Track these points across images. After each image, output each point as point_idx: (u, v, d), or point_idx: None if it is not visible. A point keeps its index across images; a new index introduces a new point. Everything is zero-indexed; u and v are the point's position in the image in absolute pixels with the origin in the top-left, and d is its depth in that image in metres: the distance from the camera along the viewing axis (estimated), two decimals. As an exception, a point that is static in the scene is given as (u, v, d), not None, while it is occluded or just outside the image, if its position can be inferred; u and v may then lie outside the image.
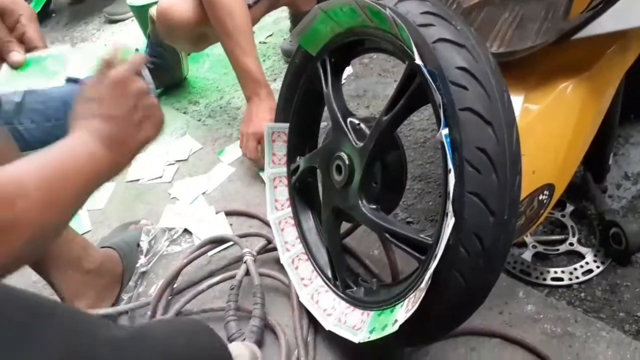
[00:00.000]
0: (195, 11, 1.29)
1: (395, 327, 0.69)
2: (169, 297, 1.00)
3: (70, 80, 0.73)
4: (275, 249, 1.00)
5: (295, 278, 0.94)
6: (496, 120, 0.61)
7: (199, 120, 1.57)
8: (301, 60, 0.95)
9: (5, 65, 0.68)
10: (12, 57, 0.67)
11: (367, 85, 1.50)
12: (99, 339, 0.47)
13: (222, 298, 0.97)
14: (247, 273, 0.95)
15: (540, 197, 0.75)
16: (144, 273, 1.10)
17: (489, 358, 0.81)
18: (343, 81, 1.50)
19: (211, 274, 1.03)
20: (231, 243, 1.08)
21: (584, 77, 0.77)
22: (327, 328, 0.83)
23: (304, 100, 0.99)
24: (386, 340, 0.71)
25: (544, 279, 0.89)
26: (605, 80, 0.80)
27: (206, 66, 1.83)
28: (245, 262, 0.96)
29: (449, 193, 0.61)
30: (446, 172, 0.62)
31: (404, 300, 0.72)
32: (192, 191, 1.29)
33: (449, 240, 0.61)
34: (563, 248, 0.94)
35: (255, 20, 1.42)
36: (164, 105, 1.68)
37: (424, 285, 0.65)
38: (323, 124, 1.04)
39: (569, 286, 0.88)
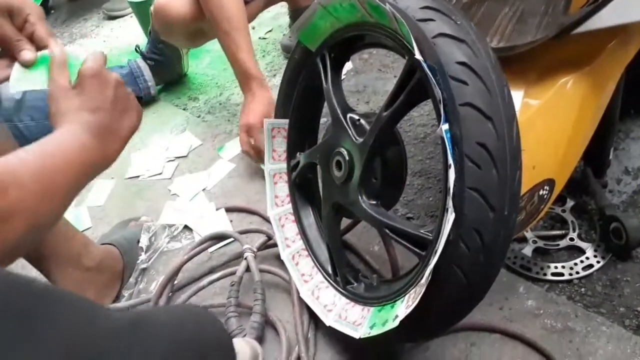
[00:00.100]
0: (192, 7, 1.28)
1: (396, 323, 0.69)
2: (170, 294, 1.00)
3: None
4: (275, 245, 1.00)
5: (296, 274, 0.94)
6: (496, 116, 0.60)
7: (199, 117, 1.56)
8: (301, 55, 0.95)
9: (17, 64, 0.68)
10: (23, 56, 0.67)
11: (367, 80, 1.50)
12: (99, 325, 0.48)
13: (223, 294, 0.98)
14: (248, 269, 0.96)
15: (541, 193, 0.75)
16: (144, 270, 1.10)
17: (489, 353, 0.81)
18: (343, 77, 1.50)
19: (212, 271, 1.03)
20: (231, 239, 1.08)
21: (584, 71, 0.76)
22: (327, 324, 0.83)
23: (303, 96, 0.99)
24: (386, 336, 0.72)
25: (544, 274, 0.89)
26: (606, 75, 0.79)
27: (206, 62, 1.82)
28: (245, 259, 0.96)
29: (449, 189, 0.61)
30: (446, 167, 0.62)
31: (405, 296, 0.72)
32: (192, 187, 1.29)
33: (449, 235, 0.61)
34: (563, 243, 0.94)
35: (253, 16, 1.42)
36: (163, 101, 1.68)
37: (424, 281, 0.65)
38: (323, 120, 1.04)
39: (569, 281, 0.89)
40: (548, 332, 0.81)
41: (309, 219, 1.00)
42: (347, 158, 0.80)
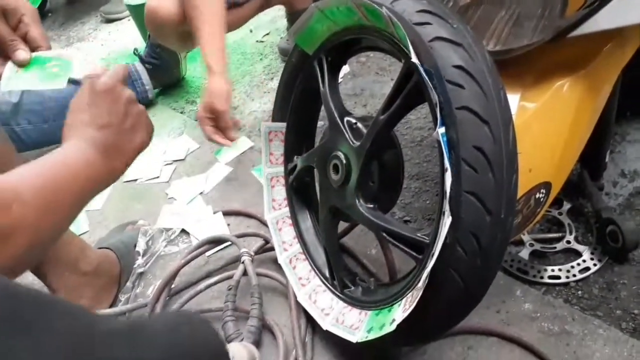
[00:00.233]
0: (181, 10, 1.28)
1: (393, 327, 0.69)
2: (167, 298, 1.00)
3: (70, 82, 0.73)
4: (272, 248, 1.00)
5: (293, 278, 0.94)
6: (493, 119, 0.60)
7: (196, 120, 1.56)
8: (298, 59, 0.95)
9: (10, 64, 0.68)
10: (18, 56, 0.67)
11: (365, 83, 1.50)
12: (97, 333, 0.48)
13: (220, 298, 0.97)
14: (245, 273, 0.95)
15: (537, 196, 0.75)
16: (141, 274, 1.09)
17: (486, 357, 0.81)
18: (340, 80, 1.51)
19: (209, 275, 1.02)
20: (229, 243, 1.08)
21: (580, 74, 0.77)
22: (324, 328, 0.83)
23: (301, 99, 0.99)
24: (384, 340, 0.71)
25: (541, 277, 0.90)
26: (602, 78, 0.80)
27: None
28: (242, 262, 0.96)
29: (446, 192, 0.61)
30: (443, 171, 0.62)
31: (402, 299, 0.72)
32: (190, 191, 1.29)
33: (446, 239, 0.61)
34: (560, 246, 0.94)
35: (247, 18, 1.42)
36: (161, 105, 1.68)
37: (421, 284, 0.65)
38: (320, 123, 1.04)
39: (566, 284, 0.89)
40: (545, 336, 0.81)
41: (306, 222, 1.00)
42: (344, 161, 0.80)
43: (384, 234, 0.75)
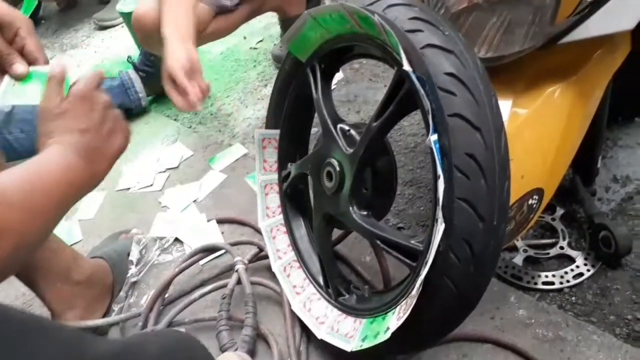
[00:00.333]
0: None
1: (388, 335, 0.69)
2: (161, 307, 0.99)
3: None
4: (267, 256, 1.00)
5: (287, 286, 0.93)
6: (484, 126, 0.61)
7: (190, 127, 1.56)
8: (291, 66, 0.95)
9: (7, 78, 0.68)
10: (15, 69, 0.68)
11: (358, 90, 1.51)
12: (86, 356, 0.47)
13: (214, 307, 0.97)
14: (239, 282, 0.95)
15: (530, 202, 0.76)
16: (134, 283, 1.09)
17: (481, 363, 0.81)
18: (333, 86, 1.51)
19: (203, 283, 1.02)
20: (223, 251, 1.07)
21: (571, 81, 0.77)
22: (319, 337, 0.83)
23: (294, 106, 0.99)
24: (378, 348, 0.71)
25: (535, 283, 0.90)
26: (593, 83, 0.80)
27: (196, 73, 1.82)
28: (236, 271, 0.95)
29: (439, 199, 0.61)
30: (435, 178, 0.62)
31: (396, 307, 0.72)
32: (183, 199, 1.29)
33: (439, 246, 0.61)
34: (553, 252, 0.94)
35: (237, 24, 1.42)
36: (154, 112, 1.67)
37: (415, 292, 0.64)
38: (314, 130, 1.04)
39: (559, 290, 0.89)
40: (539, 342, 0.81)
41: (301, 230, 1.00)
42: (337, 169, 0.80)
43: (378, 242, 0.75)
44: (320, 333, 0.83)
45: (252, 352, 0.87)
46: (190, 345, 0.64)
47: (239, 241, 1.09)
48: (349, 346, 0.76)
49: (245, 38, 1.93)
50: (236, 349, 0.86)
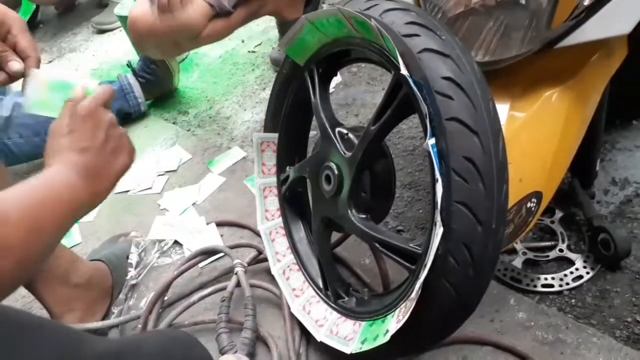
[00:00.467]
0: (164, 20, 1.28)
1: (387, 338, 0.69)
2: (160, 310, 0.99)
3: None
4: (266, 259, 1.00)
5: (287, 289, 0.93)
6: (482, 130, 0.61)
7: (189, 130, 1.56)
8: (289, 70, 0.95)
9: (29, 85, 0.69)
10: (10, 67, 0.68)
11: (356, 93, 1.51)
12: (84, 356, 0.47)
13: (214, 310, 0.97)
14: (238, 284, 0.95)
15: (528, 205, 0.76)
16: (134, 286, 1.09)
17: (481, 366, 0.81)
18: (332, 90, 1.51)
19: (202, 286, 1.02)
20: (222, 254, 1.07)
21: (568, 84, 0.77)
22: (319, 339, 0.83)
23: (292, 110, 0.99)
24: (378, 351, 0.71)
25: (535, 286, 0.90)
26: (590, 87, 0.80)
27: (195, 76, 1.82)
28: (236, 274, 0.96)
29: (437, 203, 0.62)
30: (434, 181, 0.62)
31: (395, 310, 0.72)
32: (182, 202, 1.29)
33: (437, 249, 0.62)
34: (553, 254, 0.94)
35: (234, 27, 1.42)
36: (153, 115, 1.67)
37: (414, 295, 0.65)
38: (312, 133, 1.04)
39: (559, 292, 0.89)
40: (539, 344, 0.81)
41: (300, 233, 1.00)
42: (336, 172, 0.80)
43: (377, 245, 0.75)
44: (320, 335, 0.83)
45: (251, 355, 0.87)
46: (188, 343, 0.65)
47: (238, 244, 1.09)
48: (348, 349, 0.76)
49: (243, 42, 1.93)
50: (236, 352, 0.86)
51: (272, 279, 0.96)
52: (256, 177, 1.04)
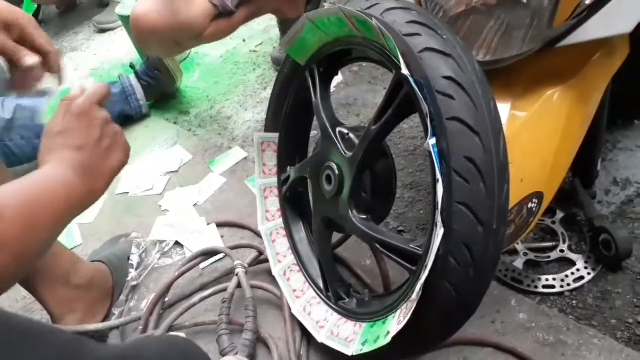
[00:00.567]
0: (166, 19, 1.28)
1: (388, 339, 0.68)
2: (161, 311, 0.99)
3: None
4: (267, 260, 1.00)
5: (288, 290, 0.93)
6: (483, 130, 0.61)
7: (190, 131, 1.56)
8: (290, 69, 0.95)
9: (45, 96, 0.69)
10: (26, 61, 0.68)
11: (357, 93, 1.51)
12: None
13: (214, 311, 0.97)
14: (239, 285, 0.95)
15: (530, 205, 0.75)
16: (135, 287, 1.08)
17: (482, 367, 0.80)
18: (333, 89, 1.51)
19: (203, 287, 1.02)
20: (223, 255, 1.07)
21: (570, 84, 0.77)
22: (319, 341, 0.82)
23: (293, 110, 0.99)
24: (379, 352, 0.71)
25: (536, 287, 0.89)
26: (592, 86, 0.80)
27: (196, 76, 1.82)
28: (237, 275, 0.95)
29: (438, 203, 0.61)
30: (434, 182, 0.62)
31: (396, 311, 0.72)
32: (183, 203, 1.28)
33: (438, 250, 0.61)
34: (554, 255, 0.94)
35: (237, 26, 1.41)
36: (154, 116, 1.67)
37: (415, 296, 0.64)
38: (313, 133, 1.04)
39: (560, 294, 0.88)
40: (540, 346, 0.81)
41: (300, 233, 1.00)
42: (336, 172, 0.80)
43: (377, 245, 0.75)
44: (321, 337, 0.83)
45: (252, 356, 0.87)
46: (189, 350, 0.65)
47: (239, 245, 1.09)
48: (349, 350, 0.76)
49: (244, 41, 1.93)
50: (236, 353, 0.85)
51: (273, 280, 0.96)
52: (257, 177, 1.04)
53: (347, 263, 1.00)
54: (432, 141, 0.61)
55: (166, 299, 1.00)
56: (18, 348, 0.42)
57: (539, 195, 0.76)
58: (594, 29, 0.70)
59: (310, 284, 0.93)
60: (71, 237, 1.27)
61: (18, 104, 1.43)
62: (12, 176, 0.97)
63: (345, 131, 0.81)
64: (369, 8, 0.72)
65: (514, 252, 0.95)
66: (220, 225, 1.19)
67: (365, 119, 1.39)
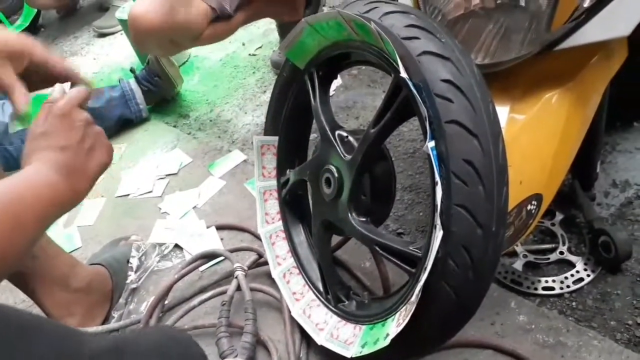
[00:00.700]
0: (165, 18, 1.28)
1: (387, 342, 0.69)
2: (160, 314, 0.99)
3: None
4: (266, 263, 1.00)
5: (287, 292, 0.93)
6: (482, 132, 0.61)
7: (189, 134, 1.56)
8: (289, 73, 0.95)
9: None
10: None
11: (356, 96, 1.51)
12: (81, 353, 0.47)
13: (214, 314, 0.97)
14: (239, 288, 0.95)
15: (529, 208, 0.76)
16: (134, 290, 1.08)
17: (482, 369, 0.80)
18: (332, 92, 1.51)
19: (202, 290, 1.02)
20: (222, 258, 1.07)
21: (568, 86, 0.77)
22: (319, 343, 0.83)
23: (293, 113, 0.99)
24: (378, 355, 0.71)
25: (535, 289, 0.89)
26: (590, 88, 0.80)
27: (196, 79, 1.83)
28: (236, 277, 0.95)
29: (437, 205, 0.61)
30: (433, 184, 0.62)
31: (396, 313, 0.72)
32: (183, 205, 1.29)
33: (437, 253, 0.61)
34: (553, 257, 0.94)
35: (235, 29, 1.42)
36: (153, 119, 1.67)
37: (414, 298, 0.64)
38: (312, 136, 1.04)
39: (560, 295, 0.88)
40: (540, 347, 0.81)
41: (300, 236, 1.00)
42: (336, 175, 0.80)
43: (377, 248, 0.75)
44: (320, 339, 0.83)
45: (252, 359, 0.87)
46: (183, 341, 0.65)
47: (239, 247, 1.09)
48: (349, 352, 0.76)
49: (244, 45, 1.93)
50: (236, 356, 0.85)
51: (273, 283, 0.96)
52: (256, 180, 1.04)
53: (347, 265, 1.01)
54: (431, 144, 0.62)
55: (166, 302, 1.00)
56: (17, 342, 0.42)
57: (538, 198, 0.76)
58: (592, 32, 0.71)
59: (309, 287, 0.93)
60: (71, 240, 1.27)
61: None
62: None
63: (345, 134, 0.82)
64: (367, 12, 0.72)
65: (514, 254, 0.95)
66: (219, 227, 1.19)
67: (365, 122, 1.40)
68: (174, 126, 1.62)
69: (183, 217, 1.25)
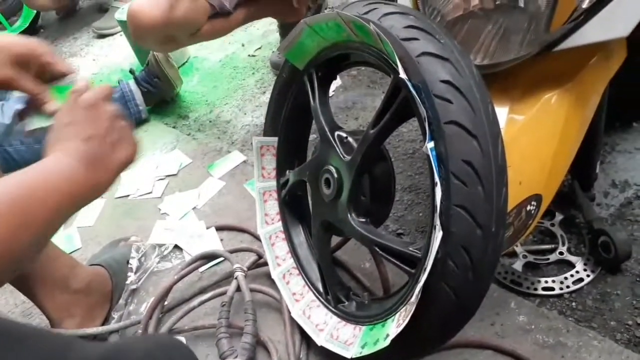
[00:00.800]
0: (164, 14, 1.28)
1: (387, 342, 0.69)
2: (160, 315, 0.99)
3: None
4: (266, 263, 1.00)
5: (287, 293, 0.93)
6: (481, 133, 0.61)
7: (189, 135, 1.56)
8: (288, 73, 0.95)
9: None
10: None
11: (356, 97, 1.51)
12: None
13: (214, 315, 0.97)
14: (238, 289, 0.95)
15: (528, 208, 0.76)
16: (134, 290, 1.08)
17: (481, 370, 0.80)
18: (332, 93, 1.51)
19: (202, 291, 1.02)
20: (222, 259, 1.07)
21: (568, 87, 0.77)
22: (319, 344, 0.83)
23: (292, 114, 0.99)
24: (378, 355, 0.71)
25: (535, 289, 0.89)
26: (589, 89, 0.80)
27: (195, 80, 1.83)
28: (236, 278, 0.95)
29: (436, 206, 0.62)
30: (433, 185, 0.62)
31: (395, 314, 0.72)
32: (182, 206, 1.29)
33: (437, 253, 0.61)
34: (553, 257, 0.94)
35: (234, 26, 1.42)
36: (153, 120, 1.67)
37: (414, 299, 0.64)
38: (312, 137, 1.04)
39: (560, 296, 0.89)
40: (540, 348, 0.81)
41: (300, 237, 1.00)
42: (335, 176, 0.80)
43: (377, 248, 0.75)
44: (320, 340, 0.83)
45: (251, 360, 0.87)
46: (174, 348, 0.64)
47: (238, 248, 1.09)
48: (349, 353, 0.76)
49: (243, 45, 1.94)
50: (236, 357, 0.85)
51: (272, 283, 0.96)
52: (256, 181, 1.04)
53: (347, 266, 1.01)
54: (430, 145, 0.62)
55: (165, 303, 1.00)
56: (1, 352, 0.42)
57: (537, 198, 0.76)
58: (591, 33, 0.71)
59: (309, 287, 0.93)
60: (70, 240, 1.27)
61: (17, 109, 1.43)
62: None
63: (344, 135, 0.82)
64: (366, 13, 0.72)
65: (513, 255, 0.95)
66: (219, 228, 1.19)
67: (364, 123, 1.40)
68: (174, 127, 1.62)
69: (183, 218, 1.25)
